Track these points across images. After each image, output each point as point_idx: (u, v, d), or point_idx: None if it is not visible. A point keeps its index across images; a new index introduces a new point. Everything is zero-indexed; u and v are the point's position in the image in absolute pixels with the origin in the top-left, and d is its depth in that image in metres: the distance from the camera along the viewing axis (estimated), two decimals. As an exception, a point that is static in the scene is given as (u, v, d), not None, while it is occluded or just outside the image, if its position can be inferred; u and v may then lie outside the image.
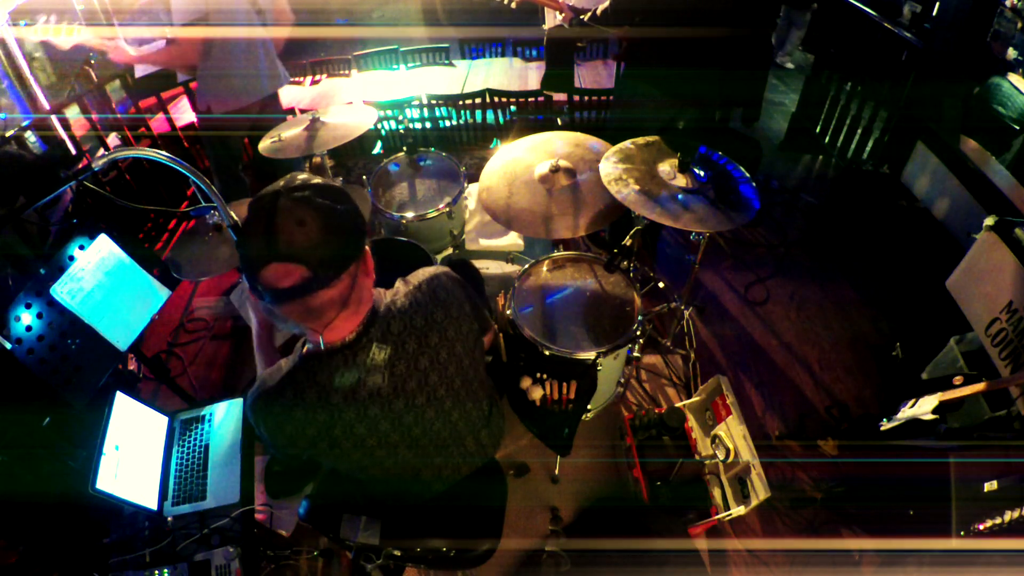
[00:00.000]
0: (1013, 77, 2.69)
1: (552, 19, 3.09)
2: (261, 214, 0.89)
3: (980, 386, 1.59)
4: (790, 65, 5.00)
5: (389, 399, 1.09)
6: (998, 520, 1.52)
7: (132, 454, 1.70)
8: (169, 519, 1.68)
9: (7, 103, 3.17)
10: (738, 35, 2.20)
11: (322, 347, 1.02)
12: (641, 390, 2.50)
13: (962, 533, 1.53)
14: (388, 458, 1.18)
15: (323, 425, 1.07)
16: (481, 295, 2.11)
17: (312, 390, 1.03)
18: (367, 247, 1.01)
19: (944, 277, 2.15)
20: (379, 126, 3.94)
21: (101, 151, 3.40)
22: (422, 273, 1.18)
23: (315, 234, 0.88)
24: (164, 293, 1.97)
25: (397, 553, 1.34)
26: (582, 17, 2.32)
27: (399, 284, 1.17)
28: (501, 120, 3.83)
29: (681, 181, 1.90)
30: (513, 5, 2.42)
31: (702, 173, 1.92)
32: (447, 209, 2.43)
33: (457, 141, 4.03)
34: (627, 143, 2.05)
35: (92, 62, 2.80)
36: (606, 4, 2.23)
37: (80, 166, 1.92)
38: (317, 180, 0.94)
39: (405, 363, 1.09)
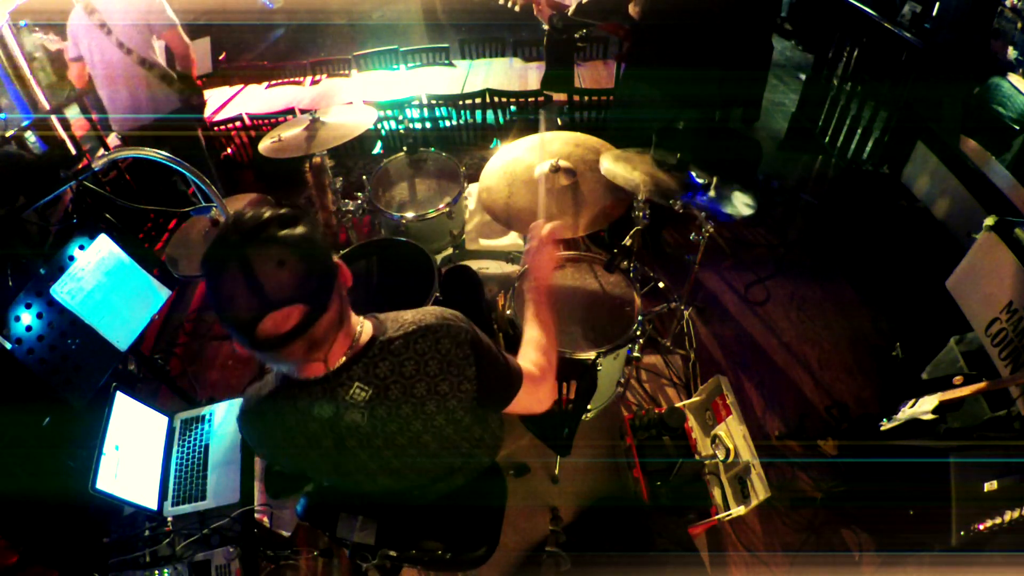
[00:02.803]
0: (1013, 77, 2.68)
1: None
2: (233, 273, 0.82)
3: (980, 386, 1.59)
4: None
5: (368, 436, 1.07)
6: (998, 520, 1.52)
7: (132, 454, 1.70)
8: (169, 519, 1.68)
9: (7, 103, 3.17)
10: (738, 35, 2.20)
11: (299, 377, 1.00)
12: (641, 390, 2.50)
13: (962, 533, 1.53)
14: (367, 481, 1.18)
15: (302, 447, 1.07)
16: (481, 297, 2.11)
17: (292, 416, 1.03)
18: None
19: (944, 277, 2.15)
20: (379, 126, 3.94)
21: (101, 151, 3.41)
22: (431, 315, 1.08)
23: (299, 268, 0.84)
24: (164, 293, 1.97)
25: (393, 553, 1.33)
26: (565, 11, 2.31)
27: (406, 317, 1.08)
28: (501, 120, 3.83)
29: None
30: (517, 8, 2.42)
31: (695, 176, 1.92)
32: (447, 209, 2.43)
33: (457, 141, 4.03)
34: (621, 152, 2.03)
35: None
36: None
37: (80, 166, 1.95)
38: (268, 212, 0.87)
39: (386, 408, 1.04)
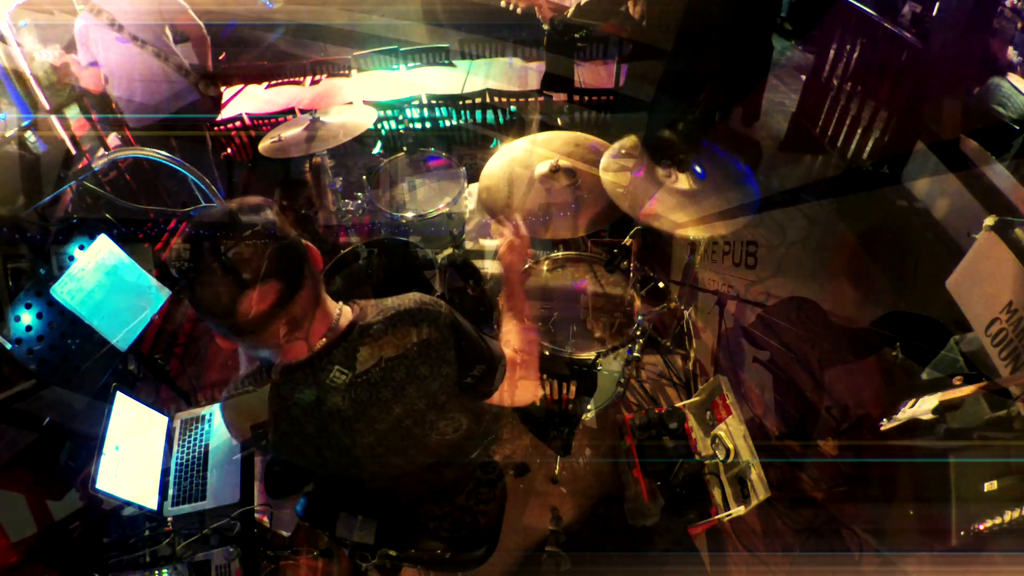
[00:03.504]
0: (1013, 77, 2.68)
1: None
2: (208, 262, 0.85)
3: (980, 386, 1.59)
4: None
5: (350, 420, 1.08)
6: (998, 520, 1.53)
7: (132, 454, 1.70)
8: (169, 519, 1.68)
9: (7, 103, 3.17)
10: (738, 35, 2.20)
11: (282, 362, 1.02)
12: (641, 390, 2.50)
13: (962, 533, 1.53)
14: (352, 467, 1.18)
15: (285, 433, 1.08)
16: (482, 293, 2.11)
17: (275, 401, 1.04)
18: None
19: (944, 277, 2.15)
20: (379, 126, 3.94)
21: (101, 151, 3.40)
22: (411, 300, 1.10)
23: (269, 247, 0.88)
24: (164, 293, 1.97)
25: (392, 553, 1.34)
26: (565, 13, 2.31)
27: (386, 303, 1.11)
28: (501, 120, 3.83)
29: (683, 183, 1.90)
30: (519, 11, 2.42)
31: (700, 170, 1.92)
32: (447, 209, 2.43)
33: (457, 141, 4.03)
34: (617, 146, 2.03)
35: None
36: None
37: (80, 166, 1.96)
38: (231, 205, 0.91)
39: (367, 392, 1.05)
